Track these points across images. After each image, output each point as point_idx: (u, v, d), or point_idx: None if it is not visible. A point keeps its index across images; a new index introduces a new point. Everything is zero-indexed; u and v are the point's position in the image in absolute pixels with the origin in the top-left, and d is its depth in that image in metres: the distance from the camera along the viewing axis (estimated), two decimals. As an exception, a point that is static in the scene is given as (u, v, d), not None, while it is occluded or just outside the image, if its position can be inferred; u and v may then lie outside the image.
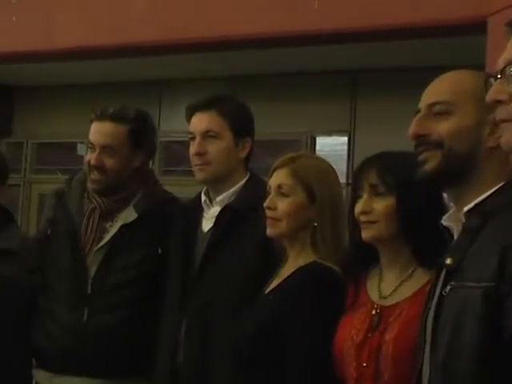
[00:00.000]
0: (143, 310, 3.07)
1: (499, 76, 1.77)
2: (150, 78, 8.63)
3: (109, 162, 3.12)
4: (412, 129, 1.99)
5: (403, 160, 2.32)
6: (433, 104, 2.00)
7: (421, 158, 1.98)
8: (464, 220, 1.93)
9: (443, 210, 2.18)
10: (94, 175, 3.13)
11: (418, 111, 2.03)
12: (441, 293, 1.87)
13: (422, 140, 1.98)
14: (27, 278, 3.22)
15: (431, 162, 1.96)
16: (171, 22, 4.33)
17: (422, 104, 2.03)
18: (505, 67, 1.76)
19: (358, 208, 2.30)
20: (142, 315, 3.06)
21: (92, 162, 3.12)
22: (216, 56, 6.28)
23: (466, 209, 1.93)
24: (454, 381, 1.79)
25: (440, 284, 1.90)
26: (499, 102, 1.76)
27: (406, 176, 2.23)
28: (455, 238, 1.98)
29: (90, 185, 3.17)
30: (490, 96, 1.77)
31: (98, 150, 3.12)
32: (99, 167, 3.12)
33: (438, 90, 2.03)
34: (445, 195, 2.21)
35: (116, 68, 7.44)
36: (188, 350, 2.84)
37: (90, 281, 3.08)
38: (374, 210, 2.28)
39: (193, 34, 4.28)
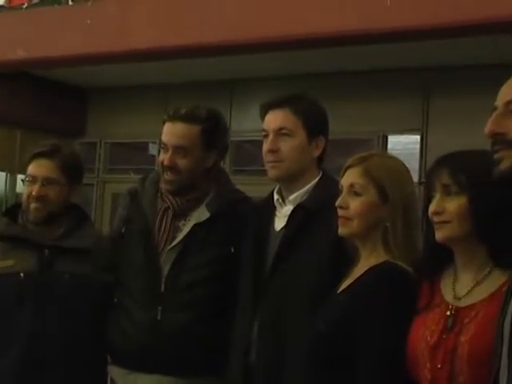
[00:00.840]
0: (215, 309, 3.09)
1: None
2: (222, 77, 8.69)
3: (182, 163, 3.14)
4: (488, 127, 1.97)
5: (476, 159, 2.30)
6: (510, 102, 1.97)
7: (497, 156, 1.96)
8: None
9: None
10: (168, 176, 3.15)
11: (495, 109, 2.00)
12: None
13: (498, 138, 1.95)
14: (102, 277, 3.27)
15: (506, 161, 1.94)
16: (243, 21, 4.34)
17: (499, 102, 1.99)
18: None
19: (431, 208, 2.27)
20: (214, 314, 3.07)
21: (165, 163, 3.14)
22: (289, 55, 6.28)
23: None
24: None
25: None
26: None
27: (479, 175, 2.23)
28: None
29: (163, 185, 3.20)
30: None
31: (170, 151, 3.14)
32: (172, 167, 3.14)
33: None
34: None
35: (188, 68, 7.50)
36: (260, 350, 2.84)
37: (163, 279, 3.10)
38: (447, 209, 2.25)
39: (265, 33, 4.28)
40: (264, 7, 4.23)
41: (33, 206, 3.25)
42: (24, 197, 3.29)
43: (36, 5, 5.37)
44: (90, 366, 3.27)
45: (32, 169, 3.27)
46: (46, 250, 3.25)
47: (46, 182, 3.24)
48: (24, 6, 5.43)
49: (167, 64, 6.31)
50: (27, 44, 5.48)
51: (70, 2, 5.22)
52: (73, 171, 3.34)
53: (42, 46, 5.45)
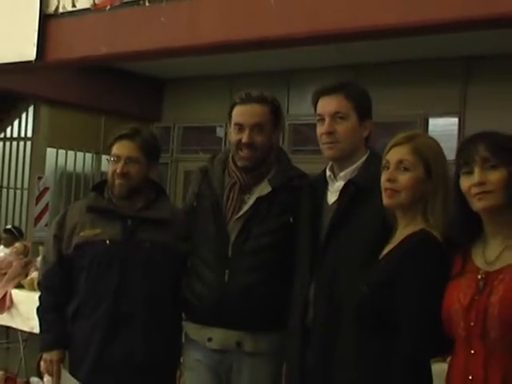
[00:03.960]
0: (276, 273, 3.09)
1: None
2: (280, 68, 8.67)
3: (258, 139, 3.12)
4: None
5: (505, 137, 2.29)
6: None
7: None
8: None
9: None
10: (244, 153, 3.14)
11: None
12: None
13: None
14: (178, 245, 3.30)
15: None
16: (299, 16, 4.32)
17: None
18: None
19: (474, 180, 2.24)
20: (276, 277, 3.08)
21: (244, 140, 3.11)
22: (339, 47, 6.24)
23: None
24: None
25: None
26: None
27: None
28: None
29: (239, 162, 3.17)
30: None
31: (248, 129, 3.11)
32: (251, 144, 3.12)
33: None
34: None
35: (250, 60, 7.50)
36: (317, 309, 2.84)
37: (230, 246, 3.12)
38: (489, 180, 2.22)
39: (319, 27, 4.25)
40: (316, 4, 4.21)
41: (117, 181, 3.29)
42: (109, 174, 3.33)
43: (117, 7, 5.40)
44: (167, 322, 3.30)
45: (116, 149, 3.31)
46: (129, 221, 3.29)
47: (129, 160, 3.27)
48: (107, 8, 5.46)
49: (232, 56, 6.31)
50: (110, 41, 5.52)
51: (147, 3, 5.23)
52: (151, 151, 3.36)
53: (123, 43, 5.48)
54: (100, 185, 3.47)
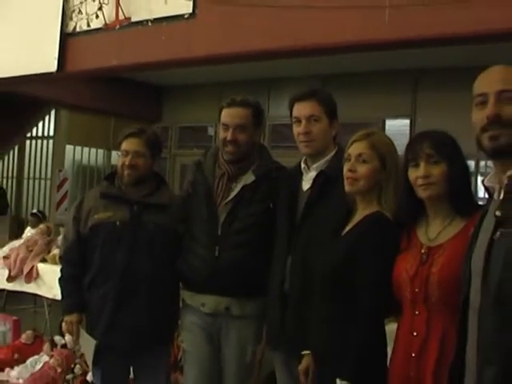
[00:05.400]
0: (259, 248, 3.08)
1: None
2: (262, 77, 8.67)
3: (241, 137, 3.11)
4: (492, 111, 1.89)
5: (446, 136, 2.30)
6: (502, 91, 1.90)
7: (492, 134, 1.89)
8: (506, 181, 1.87)
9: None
10: (229, 148, 3.13)
11: (480, 95, 1.94)
12: (491, 238, 1.84)
13: (494, 120, 1.89)
14: (176, 226, 3.29)
15: (503, 138, 1.88)
16: (280, 34, 4.31)
17: (489, 90, 1.92)
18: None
19: (420, 173, 2.25)
20: (259, 252, 3.07)
21: (229, 138, 3.11)
22: (309, 60, 6.23)
23: (509, 173, 1.88)
24: (504, 301, 1.77)
25: (489, 231, 1.86)
26: None
27: (452, 148, 2.26)
28: (495, 195, 1.93)
29: (225, 156, 3.16)
30: None
31: (232, 129, 3.10)
32: (234, 141, 3.11)
33: (502, 79, 1.93)
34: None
35: (237, 70, 7.48)
36: (293, 279, 2.85)
37: (219, 226, 3.11)
38: (433, 174, 2.24)
39: (296, 43, 4.25)
40: (296, 24, 4.20)
41: (126, 172, 3.28)
42: (119, 166, 3.32)
43: (125, 26, 5.38)
44: (168, 290, 3.31)
45: (125, 145, 3.30)
46: (135, 205, 3.28)
47: (136, 154, 3.27)
48: (116, 28, 5.44)
49: (221, 67, 6.29)
50: (119, 55, 5.50)
51: (150, 24, 5.21)
52: (155, 147, 3.37)
53: (130, 56, 5.46)
54: (111, 175, 3.46)
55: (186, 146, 10.54)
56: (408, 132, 8.14)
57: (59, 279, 3.43)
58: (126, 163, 3.26)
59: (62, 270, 3.42)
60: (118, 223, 3.25)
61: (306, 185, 2.92)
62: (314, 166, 2.92)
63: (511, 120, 1.87)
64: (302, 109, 2.91)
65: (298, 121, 2.91)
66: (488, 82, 1.95)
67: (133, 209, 3.27)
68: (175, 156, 10.57)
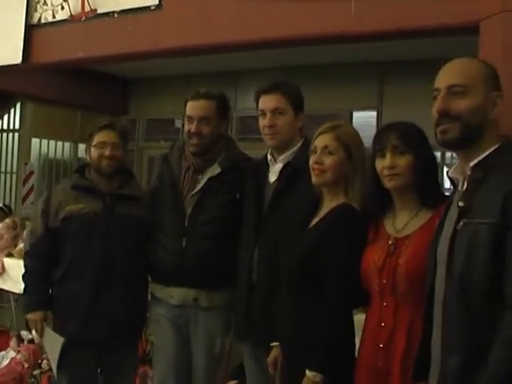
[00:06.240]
0: (226, 240, 3.07)
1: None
2: (229, 69, 8.64)
3: (205, 129, 3.10)
4: (439, 106, 1.94)
5: (412, 127, 2.31)
6: (451, 86, 1.94)
7: (442, 128, 1.94)
8: (469, 172, 1.90)
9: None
10: (194, 140, 3.12)
11: (436, 90, 1.98)
12: (455, 228, 1.87)
13: (443, 115, 1.93)
14: (147, 218, 3.26)
15: (451, 132, 1.92)
16: (246, 26, 4.29)
17: (441, 85, 1.97)
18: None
19: (386, 163, 2.26)
20: (226, 243, 3.06)
21: (193, 130, 3.10)
22: (276, 52, 6.23)
23: (471, 164, 1.90)
24: (467, 290, 1.80)
25: (453, 221, 1.90)
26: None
27: (418, 140, 2.26)
28: (459, 186, 1.96)
29: (190, 148, 3.15)
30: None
31: (196, 121, 3.09)
32: (198, 133, 3.10)
33: (453, 73, 1.97)
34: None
35: (204, 62, 7.44)
36: (260, 270, 2.85)
37: (186, 218, 3.10)
38: (398, 165, 2.25)
39: (264, 35, 4.24)
40: (261, 17, 4.19)
41: (105, 163, 3.25)
42: (95, 157, 3.27)
43: (91, 18, 5.31)
44: (141, 282, 3.30)
45: (102, 136, 3.26)
46: (107, 197, 3.25)
47: (114, 145, 3.25)
48: (82, 19, 5.37)
49: (187, 60, 6.25)
50: (85, 47, 5.43)
51: (116, 15, 5.15)
52: (126, 139, 3.37)
53: (96, 48, 5.39)
54: (81, 168, 3.42)
55: (153, 139, 10.45)
56: (375, 124, 8.17)
57: (23, 275, 3.35)
58: (107, 154, 3.23)
59: (26, 266, 3.35)
60: (91, 214, 3.21)
61: (272, 177, 2.92)
62: (281, 157, 2.92)
63: (459, 114, 1.91)
64: (266, 101, 2.89)
65: (263, 113, 2.90)
66: (441, 77, 1.99)
67: (105, 200, 3.24)
68: (142, 148, 10.49)
